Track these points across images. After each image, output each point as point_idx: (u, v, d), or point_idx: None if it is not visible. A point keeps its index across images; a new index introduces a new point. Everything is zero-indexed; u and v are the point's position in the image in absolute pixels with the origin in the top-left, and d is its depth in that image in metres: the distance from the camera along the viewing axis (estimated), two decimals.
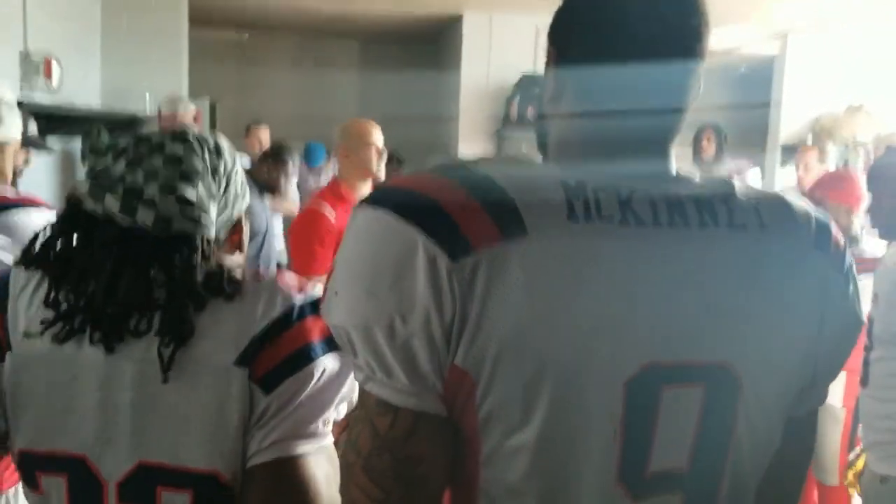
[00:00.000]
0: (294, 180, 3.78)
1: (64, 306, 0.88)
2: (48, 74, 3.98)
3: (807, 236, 0.80)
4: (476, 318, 0.68)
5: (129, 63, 5.19)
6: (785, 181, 5.61)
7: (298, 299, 0.91)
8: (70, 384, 0.89)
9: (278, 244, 3.98)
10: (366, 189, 2.76)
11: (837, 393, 2.48)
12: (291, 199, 4.36)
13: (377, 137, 2.87)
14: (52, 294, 0.89)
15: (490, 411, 0.71)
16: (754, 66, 6.59)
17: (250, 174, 3.48)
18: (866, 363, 1.91)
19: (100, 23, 5.16)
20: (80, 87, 4.81)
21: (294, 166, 3.64)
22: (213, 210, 0.94)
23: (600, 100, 0.80)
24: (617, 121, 0.80)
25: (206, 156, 0.95)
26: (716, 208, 0.77)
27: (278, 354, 0.88)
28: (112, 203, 0.89)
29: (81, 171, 4.73)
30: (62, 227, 0.92)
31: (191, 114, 4.58)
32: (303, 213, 2.84)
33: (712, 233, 0.76)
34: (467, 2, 5.23)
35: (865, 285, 2.49)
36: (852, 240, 3.02)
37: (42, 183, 4.28)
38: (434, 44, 6.70)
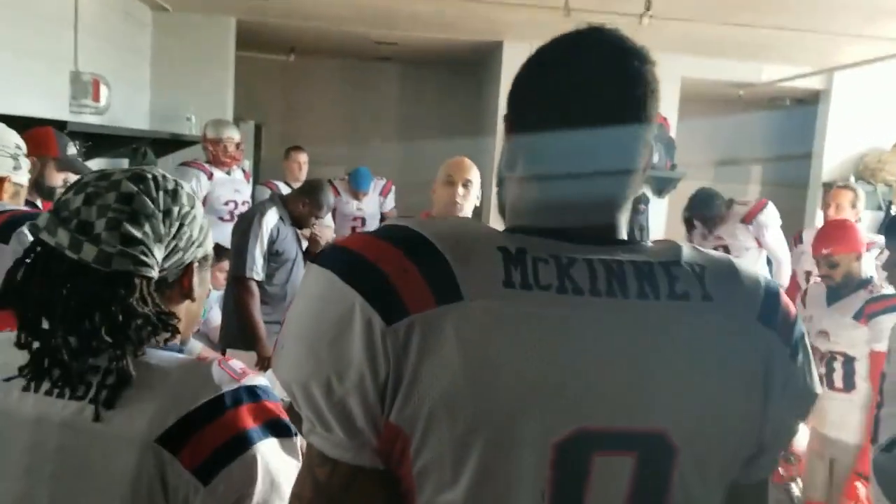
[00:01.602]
0: (327, 215, 3.82)
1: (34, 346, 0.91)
2: (96, 95, 4.13)
3: (751, 308, 0.80)
4: (409, 379, 0.71)
5: (177, 85, 5.38)
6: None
7: (230, 387, 0.91)
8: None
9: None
10: None
11: None
12: (326, 224, 4.45)
13: (461, 175, 2.63)
14: (22, 335, 0.92)
15: (424, 466, 0.73)
16: (800, 100, 6.48)
17: (285, 203, 3.55)
18: (877, 420, 1.85)
19: (150, 46, 5.36)
20: (129, 108, 4.99)
21: (328, 206, 3.66)
22: (158, 251, 0.95)
23: (548, 167, 0.83)
24: (564, 187, 0.82)
25: (161, 197, 0.97)
26: (657, 278, 0.78)
27: (209, 443, 0.87)
28: (63, 237, 0.92)
29: None
30: (23, 260, 0.95)
31: (235, 140, 4.71)
32: None
33: (650, 303, 0.76)
34: (508, 31, 5.27)
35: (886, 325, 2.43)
36: (865, 281, 2.99)
37: None
38: (474, 69, 6.77)
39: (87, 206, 0.93)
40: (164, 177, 1.00)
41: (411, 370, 0.70)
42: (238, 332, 3.39)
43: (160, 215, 0.96)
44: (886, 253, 3.53)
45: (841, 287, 2.99)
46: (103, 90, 4.18)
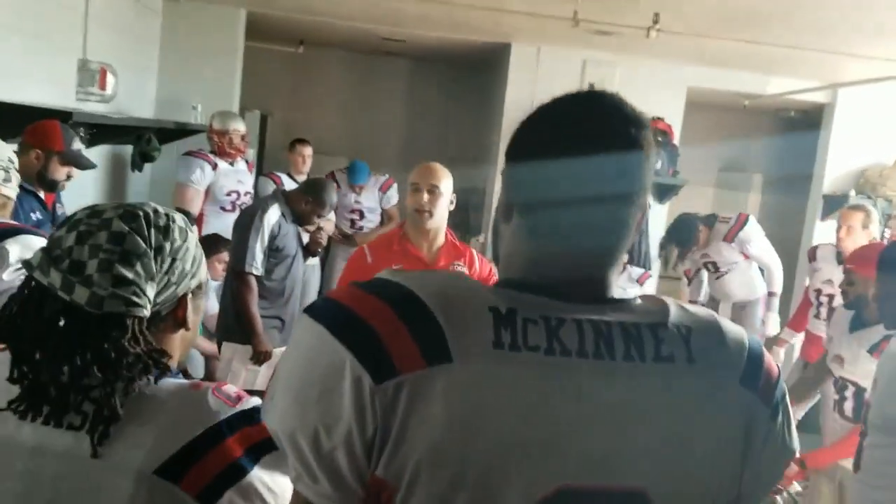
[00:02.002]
0: (331, 213, 3.83)
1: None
2: (103, 84, 4.15)
3: (734, 371, 0.83)
4: (397, 436, 0.73)
5: (184, 74, 5.39)
6: (823, 233, 5.51)
7: (226, 414, 0.93)
8: None
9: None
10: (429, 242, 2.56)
11: None
12: (327, 218, 4.48)
13: (426, 180, 2.54)
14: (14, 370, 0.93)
15: None
16: (805, 112, 6.49)
17: (288, 200, 3.57)
18: (860, 449, 1.89)
19: (159, 34, 5.37)
20: (135, 95, 5.01)
21: (331, 206, 3.67)
22: (150, 290, 0.96)
23: (542, 223, 0.85)
24: (558, 244, 0.84)
25: (153, 235, 0.98)
26: (643, 340, 0.80)
27: (211, 469, 0.89)
28: (55, 278, 0.93)
29: (130, 175, 4.92)
30: (17, 298, 0.96)
31: (241, 132, 4.72)
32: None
33: (636, 365, 0.79)
34: (517, 33, 5.27)
35: None
36: (859, 300, 2.97)
37: (90, 186, 4.47)
38: (482, 68, 6.77)
39: (79, 246, 0.94)
40: (155, 212, 1.01)
41: (399, 427, 0.73)
42: (235, 325, 3.43)
43: (152, 253, 0.97)
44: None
45: (864, 314, 2.94)
46: (110, 79, 4.19)
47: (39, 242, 1.87)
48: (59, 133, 2.88)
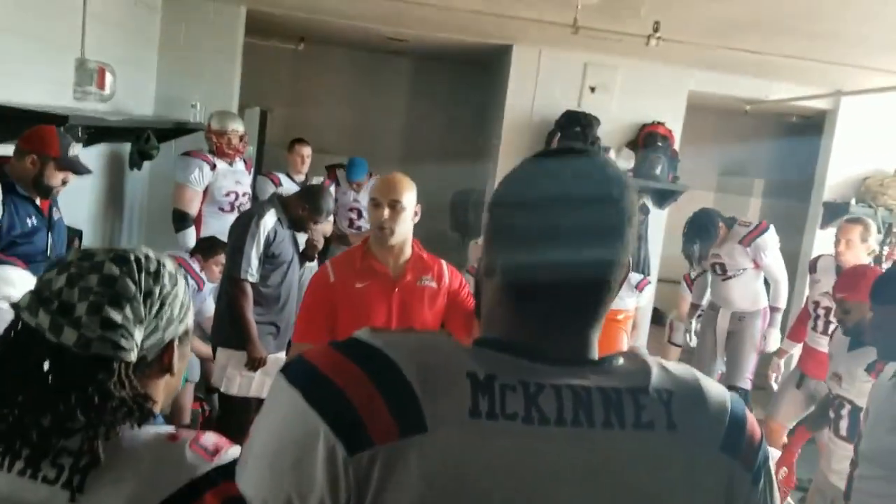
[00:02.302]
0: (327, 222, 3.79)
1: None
2: (101, 83, 4.12)
3: (715, 438, 0.83)
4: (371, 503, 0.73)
5: (184, 72, 5.37)
6: (823, 241, 5.49)
7: (204, 469, 0.93)
8: None
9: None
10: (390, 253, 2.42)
11: None
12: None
13: (386, 195, 2.38)
14: None
15: None
16: (806, 118, 6.47)
17: (284, 206, 3.55)
18: (850, 480, 1.88)
19: (158, 32, 5.34)
20: (134, 93, 4.99)
21: (328, 212, 3.63)
22: (138, 334, 0.97)
23: (524, 283, 0.84)
24: (539, 305, 0.84)
25: (143, 279, 0.98)
26: (624, 406, 0.80)
27: None
28: (43, 319, 0.93)
29: (128, 173, 4.91)
30: (2, 340, 0.96)
31: (239, 132, 4.70)
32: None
33: (615, 433, 0.79)
34: (519, 35, 5.24)
35: None
36: (857, 327, 2.93)
37: (87, 185, 4.45)
38: (485, 68, 6.74)
39: (69, 288, 0.95)
40: (146, 257, 1.01)
41: (372, 499, 0.72)
42: (230, 331, 3.42)
43: (141, 297, 0.98)
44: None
45: (856, 333, 2.92)
46: (108, 78, 4.17)
47: (13, 273, 1.85)
48: (56, 139, 2.87)
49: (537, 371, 0.79)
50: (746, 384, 4.58)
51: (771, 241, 4.45)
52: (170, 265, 1.04)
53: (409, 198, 2.41)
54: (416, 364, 0.76)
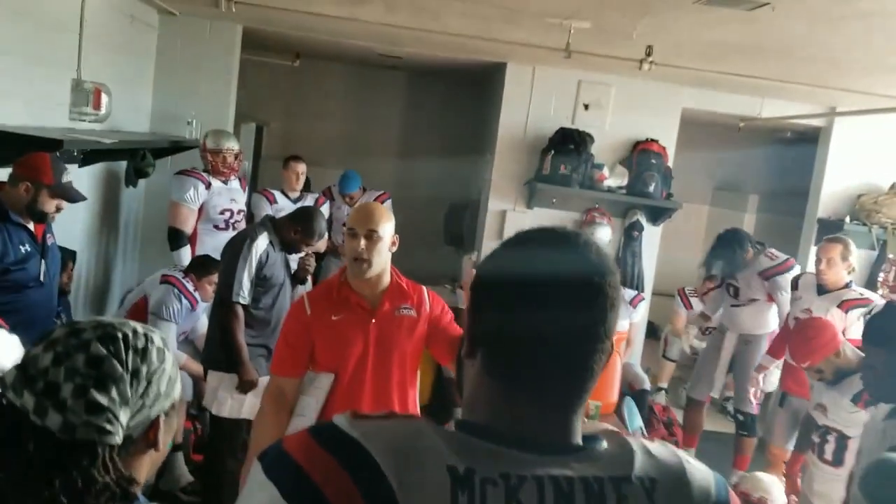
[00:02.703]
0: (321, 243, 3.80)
1: None
2: (97, 104, 4.14)
3: None
4: None
5: (180, 88, 5.39)
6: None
7: None
8: None
9: None
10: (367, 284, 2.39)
11: None
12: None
13: (363, 225, 2.34)
14: None
15: None
16: (800, 133, 6.49)
17: (276, 227, 3.56)
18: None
19: (155, 48, 5.37)
20: (130, 110, 5.01)
21: (320, 235, 3.63)
22: (123, 416, 0.97)
23: (506, 370, 0.85)
24: (521, 391, 0.84)
25: (130, 358, 0.99)
26: (606, 497, 0.80)
27: None
28: (28, 400, 0.93)
29: (124, 191, 4.92)
30: None
31: (234, 151, 4.72)
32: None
33: None
34: (513, 54, 5.27)
35: None
36: (838, 373, 2.95)
37: (82, 204, 4.46)
38: (480, 82, 6.77)
39: (55, 367, 0.95)
40: (134, 332, 1.01)
41: None
42: (220, 353, 3.43)
43: (128, 378, 0.98)
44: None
45: (841, 377, 2.96)
46: (104, 98, 4.19)
47: None
48: (49, 166, 2.88)
49: (519, 461, 0.79)
50: (753, 408, 4.59)
51: (789, 281, 4.38)
52: (157, 339, 1.04)
53: (387, 228, 2.37)
54: (394, 458, 0.76)
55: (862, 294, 4.03)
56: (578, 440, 0.85)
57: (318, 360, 2.36)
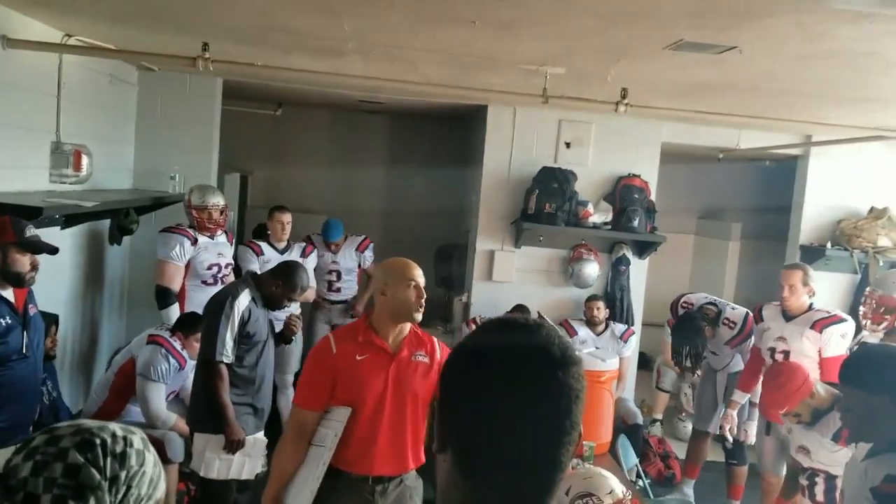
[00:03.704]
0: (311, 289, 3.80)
1: None
2: (77, 165, 4.15)
3: None
4: None
5: (162, 143, 5.43)
6: None
7: None
8: None
9: None
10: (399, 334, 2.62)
11: None
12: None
13: (419, 276, 2.61)
14: None
15: None
16: (779, 162, 6.57)
17: (258, 284, 3.55)
18: None
19: (135, 107, 5.40)
20: (112, 169, 5.03)
21: (302, 289, 3.64)
22: None
23: (475, 467, 0.87)
24: (492, 485, 0.86)
25: (108, 464, 0.99)
26: None
27: None
28: None
29: (108, 249, 4.90)
30: None
31: (220, 206, 4.72)
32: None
33: None
34: (493, 97, 5.33)
35: None
36: (815, 413, 2.95)
37: (66, 265, 4.46)
38: (461, 124, 6.84)
39: (34, 478, 0.95)
40: (113, 437, 1.02)
41: None
42: (206, 414, 3.39)
43: (106, 485, 0.98)
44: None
45: (819, 416, 2.97)
46: (84, 160, 4.19)
47: None
48: (9, 225, 2.85)
49: None
50: (740, 436, 4.59)
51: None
52: (137, 441, 1.04)
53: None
54: None
55: (829, 312, 4.09)
56: None
57: (337, 396, 2.57)
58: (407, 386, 2.58)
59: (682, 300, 4.88)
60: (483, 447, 0.86)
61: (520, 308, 5.35)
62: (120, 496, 1.00)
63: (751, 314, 4.56)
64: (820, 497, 2.95)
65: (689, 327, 4.62)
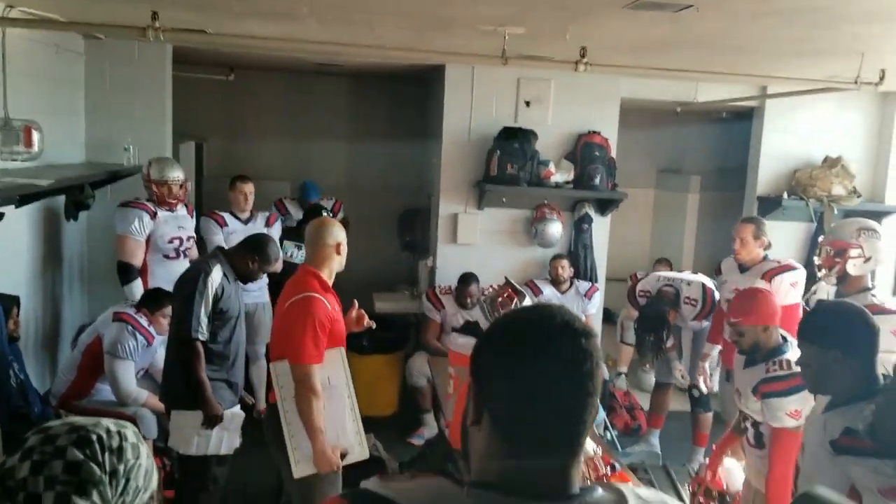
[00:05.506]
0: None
1: None
2: (28, 142, 4.02)
3: None
4: None
5: (114, 114, 5.27)
6: None
7: None
8: None
9: None
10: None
11: None
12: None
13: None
14: None
15: None
16: (735, 113, 6.66)
17: (229, 258, 3.52)
18: None
19: (83, 77, 5.23)
20: (64, 143, 4.88)
21: (276, 258, 3.63)
22: None
23: (510, 430, 0.96)
24: (528, 447, 0.96)
25: (107, 459, 1.00)
26: None
27: None
28: None
29: (65, 225, 4.79)
30: None
31: (180, 181, 4.63)
32: (301, 300, 2.94)
33: None
34: (451, 57, 5.27)
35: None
36: (772, 353, 3.03)
37: (24, 246, 4.35)
38: (421, 84, 6.76)
39: (34, 477, 0.95)
40: (108, 432, 1.03)
41: None
42: (181, 391, 3.38)
43: (107, 479, 0.99)
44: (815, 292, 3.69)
45: (752, 353, 3.09)
46: (35, 135, 4.05)
47: None
48: None
49: None
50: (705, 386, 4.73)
51: None
52: (131, 435, 1.06)
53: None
54: None
55: (780, 262, 4.25)
56: (576, 489, 0.96)
57: (329, 341, 2.97)
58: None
59: (637, 290, 4.96)
60: (520, 412, 0.95)
61: (468, 277, 5.36)
62: (120, 489, 1.01)
63: (707, 285, 4.68)
64: (752, 440, 3.10)
65: (654, 319, 4.69)
